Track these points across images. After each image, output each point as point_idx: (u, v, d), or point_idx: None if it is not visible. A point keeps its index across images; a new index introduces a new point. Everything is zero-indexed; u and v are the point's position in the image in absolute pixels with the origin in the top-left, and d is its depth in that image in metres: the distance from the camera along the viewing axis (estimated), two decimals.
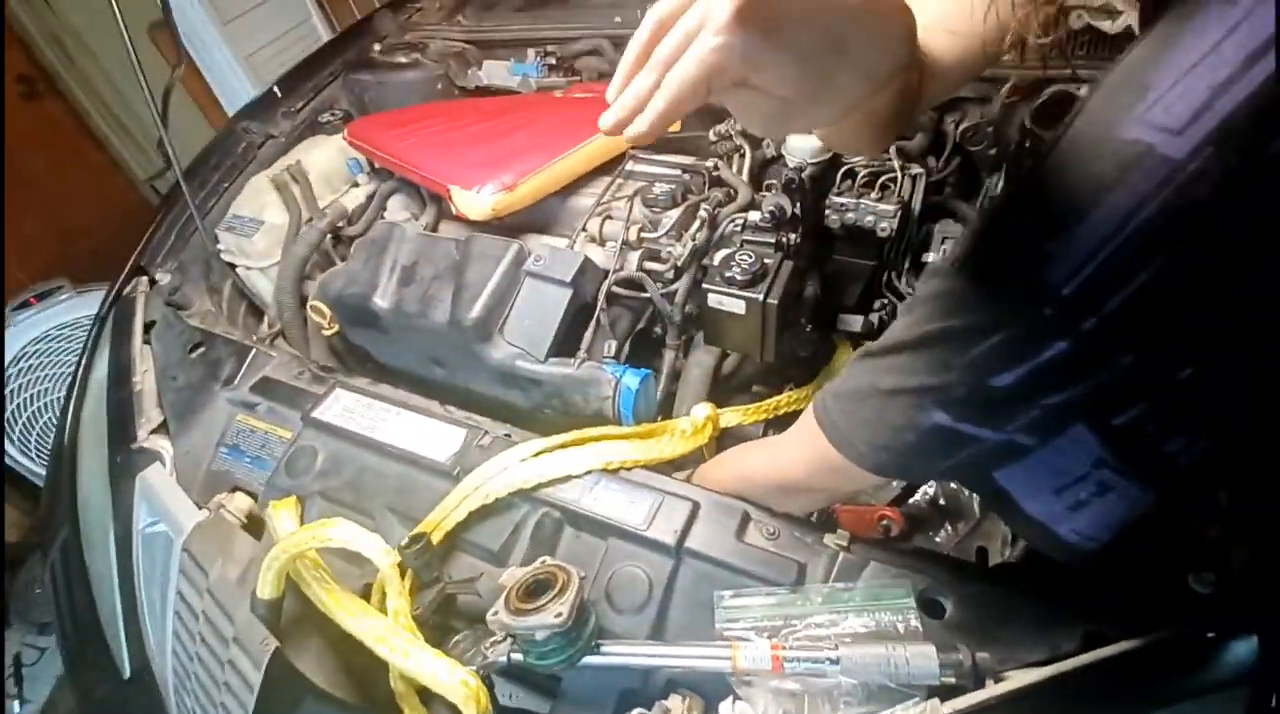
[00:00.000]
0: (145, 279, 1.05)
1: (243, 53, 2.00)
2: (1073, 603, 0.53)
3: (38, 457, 1.80)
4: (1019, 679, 0.49)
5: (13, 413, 1.75)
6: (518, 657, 0.59)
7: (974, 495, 0.79)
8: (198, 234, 1.09)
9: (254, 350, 0.90)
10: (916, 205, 0.98)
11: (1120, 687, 0.48)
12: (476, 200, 0.82)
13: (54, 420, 1.79)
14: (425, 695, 0.62)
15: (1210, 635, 0.49)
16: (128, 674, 0.77)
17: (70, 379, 1.00)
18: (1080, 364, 0.37)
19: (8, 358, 1.70)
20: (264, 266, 1.05)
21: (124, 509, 0.80)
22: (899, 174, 0.94)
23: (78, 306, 1.76)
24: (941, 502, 0.80)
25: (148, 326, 0.96)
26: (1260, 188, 0.30)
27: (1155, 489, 0.43)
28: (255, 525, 0.78)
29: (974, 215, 1.05)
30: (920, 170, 0.96)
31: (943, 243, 1.01)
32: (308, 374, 0.87)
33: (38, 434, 1.79)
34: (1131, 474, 0.42)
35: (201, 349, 0.92)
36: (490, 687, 0.59)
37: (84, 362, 1.00)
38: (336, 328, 0.96)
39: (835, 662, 0.52)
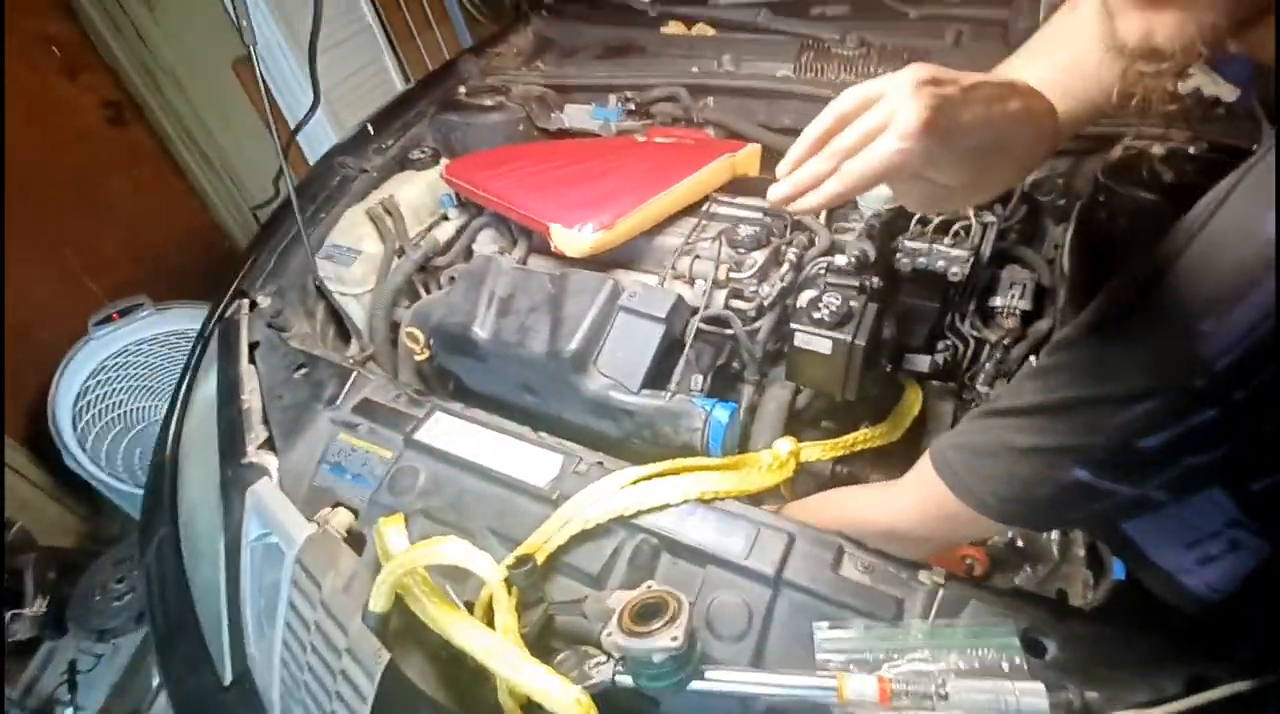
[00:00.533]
0: (247, 302, 1.12)
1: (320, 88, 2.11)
2: (1174, 646, 0.55)
3: (106, 465, 1.88)
4: None
5: (88, 423, 1.83)
6: (622, 679, 0.61)
7: (1056, 540, 0.80)
8: (295, 260, 1.16)
9: (355, 372, 0.96)
10: (986, 251, 1.01)
11: None
12: (578, 238, 0.87)
13: (126, 431, 1.87)
14: (531, 710, 0.65)
15: None
16: (229, 679, 0.80)
17: (171, 396, 1.07)
18: (1227, 430, 0.40)
19: (89, 370, 1.79)
20: (358, 293, 1.11)
21: (234, 520, 0.84)
22: (972, 221, 0.97)
23: (156, 323, 1.85)
24: (1020, 544, 0.81)
25: (252, 347, 1.03)
26: None
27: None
28: (354, 541, 0.82)
29: (1040, 262, 1.08)
30: (993, 219, 0.99)
31: (1010, 287, 1.04)
32: (405, 397, 0.92)
33: (109, 443, 1.86)
34: (1265, 534, 0.44)
35: (305, 370, 0.98)
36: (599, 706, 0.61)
37: (188, 379, 1.06)
38: (428, 354, 1.01)
39: (944, 696, 0.54)
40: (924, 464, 0.61)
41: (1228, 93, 0.96)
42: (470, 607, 0.72)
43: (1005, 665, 0.56)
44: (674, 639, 0.57)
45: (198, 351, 1.08)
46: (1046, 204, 1.08)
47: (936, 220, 1.01)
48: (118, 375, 1.83)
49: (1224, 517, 0.45)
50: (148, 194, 2.17)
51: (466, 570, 0.73)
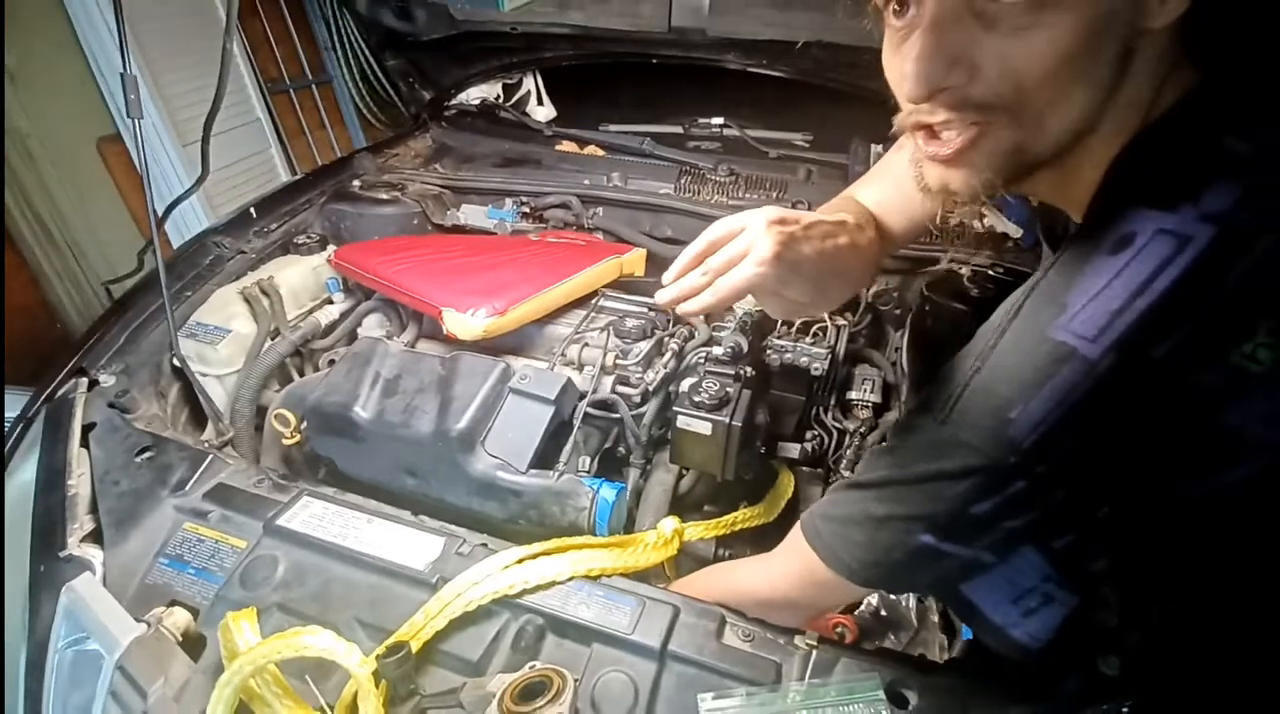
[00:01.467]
0: (85, 381, 1.01)
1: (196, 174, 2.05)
2: (1012, 691, 0.61)
3: None
4: None
5: None
6: None
7: (914, 608, 0.87)
8: (149, 338, 1.08)
9: (210, 456, 0.88)
10: (841, 351, 1.15)
11: None
12: (470, 322, 0.90)
13: None
14: None
15: (1125, 710, 0.57)
16: None
17: None
18: (1034, 497, 0.48)
19: None
20: (222, 373, 1.04)
21: (42, 625, 0.71)
22: (828, 323, 1.11)
23: None
24: (883, 613, 0.87)
25: (87, 428, 0.92)
26: (1144, 381, 0.43)
27: (1082, 596, 0.53)
28: (191, 645, 0.72)
29: (884, 361, 1.24)
30: (844, 322, 1.14)
31: (862, 383, 1.18)
32: (268, 482, 0.85)
33: None
34: (1068, 585, 0.53)
35: (150, 453, 0.88)
36: None
37: None
38: (298, 438, 0.96)
39: None
40: (795, 535, 0.66)
41: (1013, 230, 1.20)
42: (331, 710, 0.65)
43: None
44: None
45: (15, 434, 0.95)
46: (886, 312, 1.26)
47: (798, 322, 1.15)
48: None
49: (1038, 573, 0.53)
50: None
51: (328, 668, 0.66)
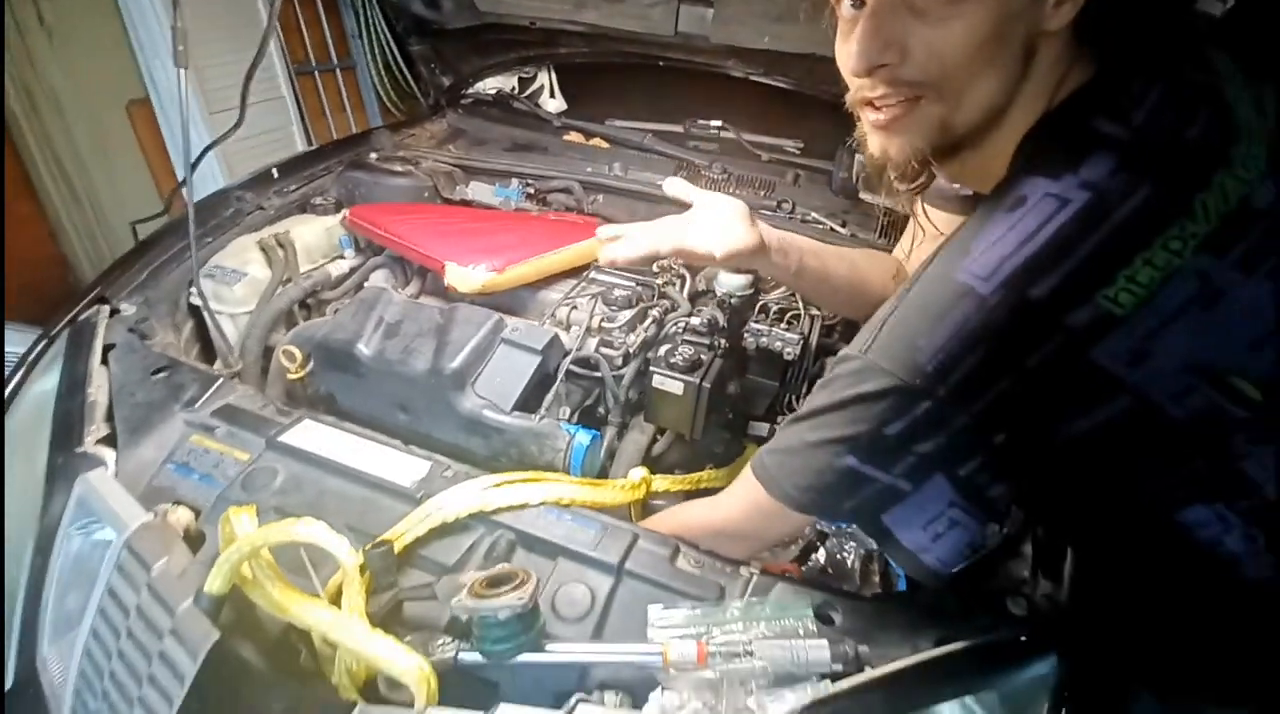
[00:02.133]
0: (106, 308, 1.08)
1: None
2: (929, 617, 0.68)
3: None
4: (888, 667, 0.62)
5: None
6: (465, 656, 0.65)
7: (859, 568, 0.94)
8: (169, 277, 1.15)
9: (220, 379, 0.95)
10: (814, 340, 1.23)
11: (959, 672, 0.62)
12: (470, 276, 0.98)
13: None
14: (369, 693, 0.65)
15: (1021, 640, 0.65)
16: (9, 685, 0.71)
17: None
18: (938, 420, 0.56)
19: None
20: (236, 312, 1.12)
21: (54, 510, 0.78)
22: (801, 312, 1.20)
23: None
24: (829, 570, 0.95)
25: (107, 348, 0.99)
26: (1026, 315, 0.52)
27: (986, 525, 0.61)
28: (192, 542, 0.79)
29: None
30: (818, 312, 1.22)
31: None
32: (272, 407, 0.93)
33: None
34: (971, 511, 0.60)
35: (165, 373, 0.95)
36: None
37: (19, 375, 0.99)
38: (302, 374, 1.03)
39: (750, 653, 0.63)
40: (746, 471, 0.74)
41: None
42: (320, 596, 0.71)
43: (800, 630, 0.66)
44: (519, 599, 0.62)
45: (38, 350, 1.02)
46: None
47: (775, 308, 1.23)
48: None
49: (945, 499, 0.60)
50: None
51: (317, 565, 0.73)
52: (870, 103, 0.60)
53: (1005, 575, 0.75)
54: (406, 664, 0.61)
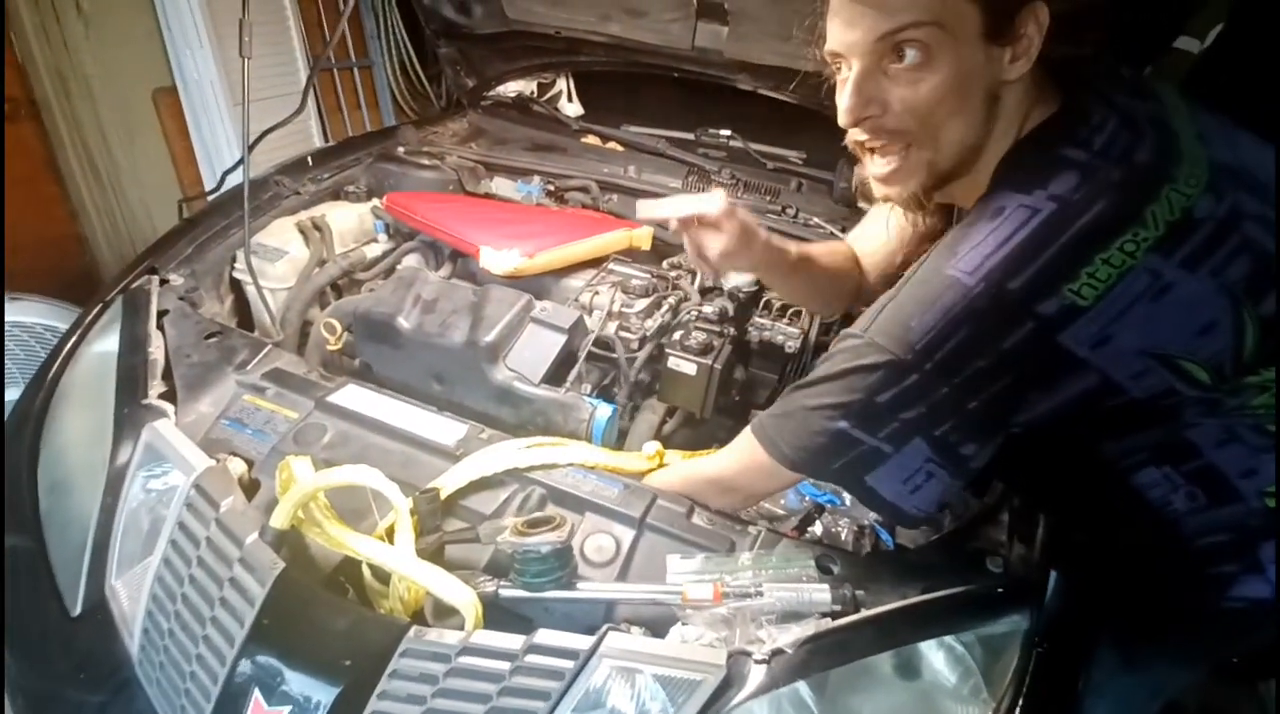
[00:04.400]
0: (157, 278, 1.15)
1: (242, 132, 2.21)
2: (916, 571, 0.77)
3: None
4: (882, 608, 0.71)
5: None
6: (505, 591, 0.73)
7: (851, 541, 1.03)
8: (213, 252, 1.23)
9: (269, 345, 1.02)
10: (813, 335, 1.32)
11: (943, 616, 0.71)
12: (503, 259, 1.06)
13: None
14: (418, 619, 0.72)
15: (999, 591, 0.74)
16: (78, 611, 0.78)
17: (52, 351, 1.05)
18: (923, 391, 0.65)
19: None
20: (276, 287, 1.19)
21: (122, 455, 0.85)
22: (802, 309, 1.29)
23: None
24: (824, 542, 1.03)
25: (160, 314, 1.06)
26: (1003, 304, 0.61)
27: (956, 479, 0.69)
28: (246, 490, 0.86)
29: None
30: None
31: None
32: (316, 373, 1.00)
33: None
34: (945, 466, 0.69)
35: (217, 337, 1.03)
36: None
37: (78, 336, 1.05)
38: (340, 346, 1.11)
39: (760, 594, 0.71)
40: (745, 432, 0.82)
41: None
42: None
43: (804, 578, 0.75)
44: (559, 537, 0.70)
45: (94, 314, 1.08)
46: (855, 309, 1.44)
47: (778, 304, 1.32)
48: None
49: (922, 456, 0.69)
50: (17, 190, 2.06)
51: (364, 514, 0.80)
52: (867, 148, 0.71)
53: (985, 539, 0.84)
54: (461, 593, 0.69)
